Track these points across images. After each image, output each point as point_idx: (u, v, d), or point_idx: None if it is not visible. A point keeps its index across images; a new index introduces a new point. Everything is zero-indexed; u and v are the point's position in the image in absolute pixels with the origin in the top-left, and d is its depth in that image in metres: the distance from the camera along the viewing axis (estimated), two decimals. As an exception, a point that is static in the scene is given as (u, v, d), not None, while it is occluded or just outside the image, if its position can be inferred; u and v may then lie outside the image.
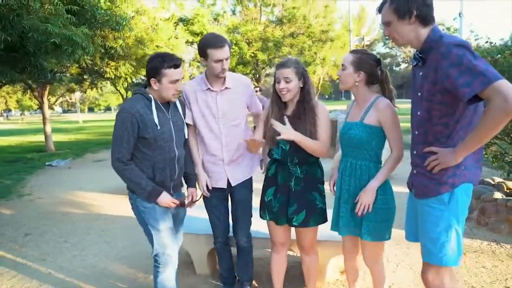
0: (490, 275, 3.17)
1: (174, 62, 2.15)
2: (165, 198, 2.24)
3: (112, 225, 4.86)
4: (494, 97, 1.50)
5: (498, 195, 4.21)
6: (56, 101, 22.21)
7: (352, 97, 2.41)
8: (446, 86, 1.64)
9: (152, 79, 2.17)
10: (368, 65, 2.14)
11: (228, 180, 2.60)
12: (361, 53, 2.18)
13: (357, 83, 2.17)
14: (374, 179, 2.14)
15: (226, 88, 2.49)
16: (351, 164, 2.23)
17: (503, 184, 4.67)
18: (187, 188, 2.58)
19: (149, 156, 2.22)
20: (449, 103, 1.69)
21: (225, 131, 2.52)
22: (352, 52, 2.21)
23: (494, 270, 3.25)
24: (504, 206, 4.04)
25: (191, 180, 2.56)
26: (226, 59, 2.36)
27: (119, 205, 5.82)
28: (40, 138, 16.08)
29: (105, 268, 3.59)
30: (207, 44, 2.33)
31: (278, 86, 2.29)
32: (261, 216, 2.54)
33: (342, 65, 2.20)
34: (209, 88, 2.47)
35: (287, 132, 2.18)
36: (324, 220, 2.46)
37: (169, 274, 2.36)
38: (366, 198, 2.13)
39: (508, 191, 4.57)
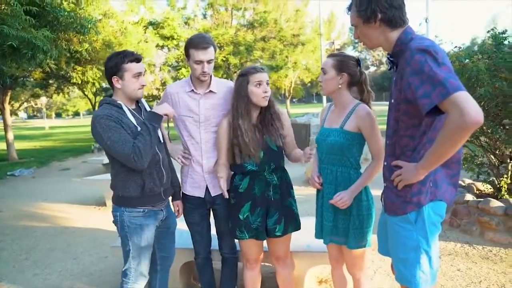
0: (465, 278, 3.19)
1: (135, 56, 2.09)
2: (164, 108, 2.14)
3: (79, 239, 4.61)
4: (451, 111, 1.35)
5: (469, 196, 4.27)
6: (20, 106, 21.30)
7: (324, 101, 2.38)
8: (408, 96, 1.52)
9: (114, 77, 2.08)
10: (349, 66, 2.11)
11: (206, 191, 2.48)
12: (340, 55, 2.15)
13: (340, 86, 2.12)
14: (355, 184, 2.10)
15: (210, 91, 2.41)
16: (332, 171, 2.17)
17: (473, 185, 4.77)
18: (172, 201, 2.50)
19: None
20: (415, 114, 1.56)
21: (206, 137, 2.42)
22: (331, 56, 2.17)
23: (468, 273, 3.27)
24: (475, 207, 4.10)
25: (176, 193, 2.48)
26: (208, 61, 2.29)
27: (87, 217, 5.55)
28: (2, 146, 15.30)
29: (70, 287, 3.36)
30: (190, 44, 2.29)
31: (258, 90, 2.23)
32: (237, 237, 2.38)
33: (322, 69, 2.14)
34: (192, 90, 2.40)
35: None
36: (299, 226, 2.41)
37: None
38: (347, 199, 2.07)
39: (478, 192, 4.66)
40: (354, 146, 2.12)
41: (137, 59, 2.09)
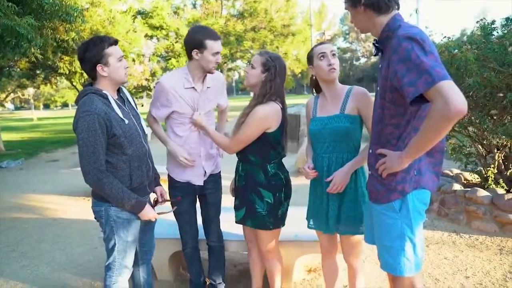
0: (452, 266, 3.23)
1: (113, 39, 2.04)
2: (148, 213, 2.12)
3: (68, 230, 4.57)
4: (436, 99, 1.35)
5: (457, 186, 4.33)
6: (6, 97, 21.00)
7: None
8: (394, 83, 1.52)
9: (99, 65, 2.00)
10: None
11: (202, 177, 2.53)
12: None
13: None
14: (352, 161, 2.09)
15: (207, 88, 2.45)
16: (338, 158, 2.14)
17: (460, 175, 4.83)
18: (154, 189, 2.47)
19: (125, 156, 2.06)
20: (400, 103, 1.57)
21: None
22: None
23: (455, 261, 3.32)
24: (462, 197, 4.15)
25: (156, 179, 2.44)
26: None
27: (76, 208, 5.50)
28: (-11, 137, 15.05)
29: (58, 278, 3.34)
30: (206, 35, 2.27)
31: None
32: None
33: (334, 54, 2.14)
34: (193, 87, 2.38)
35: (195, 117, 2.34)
36: (266, 227, 2.31)
37: (124, 282, 2.23)
38: (341, 179, 2.08)
39: (465, 182, 4.72)
40: (357, 130, 2.13)
41: (115, 41, 2.04)
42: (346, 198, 2.14)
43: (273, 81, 2.19)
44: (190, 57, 2.33)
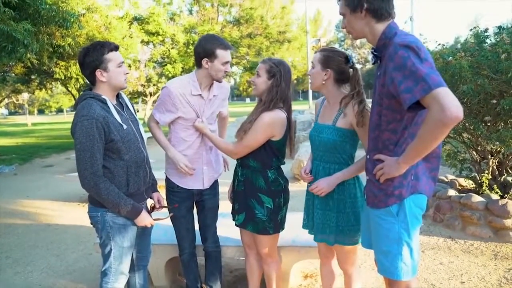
0: (447, 271, 3.25)
1: (113, 44, 2.05)
2: (145, 219, 2.11)
3: (63, 236, 4.53)
4: (432, 106, 1.38)
5: (452, 192, 4.35)
6: (0, 102, 20.85)
7: (310, 99, 2.37)
8: (391, 90, 1.54)
9: (98, 70, 2.00)
10: (336, 62, 2.08)
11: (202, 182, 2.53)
12: (329, 50, 2.14)
13: (324, 82, 2.10)
14: (341, 172, 2.09)
15: (213, 96, 2.47)
16: (324, 168, 2.15)
17: (455, 181, 4.86)
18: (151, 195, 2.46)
19: (122, 162, 2.05)
20: (397, 109, 1.59)
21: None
22: (321, 50, 2.17)
23: (450, 266, 3.33)
24: (457, 203, 4.18)
25: (153, 185, 2.43)
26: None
27: (71, 213, 5.46)
28: (-18, 142, 14.93)
29: (53, 284, 3.31)
30: (217, 44, 2.28)
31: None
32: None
33: (312, 63, 2.15)
34: (200, 95, 2.39)
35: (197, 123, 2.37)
36: (266, 232, 2.33)
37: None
38: (324, 185, 2.08)
39: (460, 188, 4.75)
40: (347, 143, 2.10)
41: (116, 47, 2.05)
42: (334, 209, 2.13)
43: (279, 86, 2.21)
44: (199, 65, 2.33)
